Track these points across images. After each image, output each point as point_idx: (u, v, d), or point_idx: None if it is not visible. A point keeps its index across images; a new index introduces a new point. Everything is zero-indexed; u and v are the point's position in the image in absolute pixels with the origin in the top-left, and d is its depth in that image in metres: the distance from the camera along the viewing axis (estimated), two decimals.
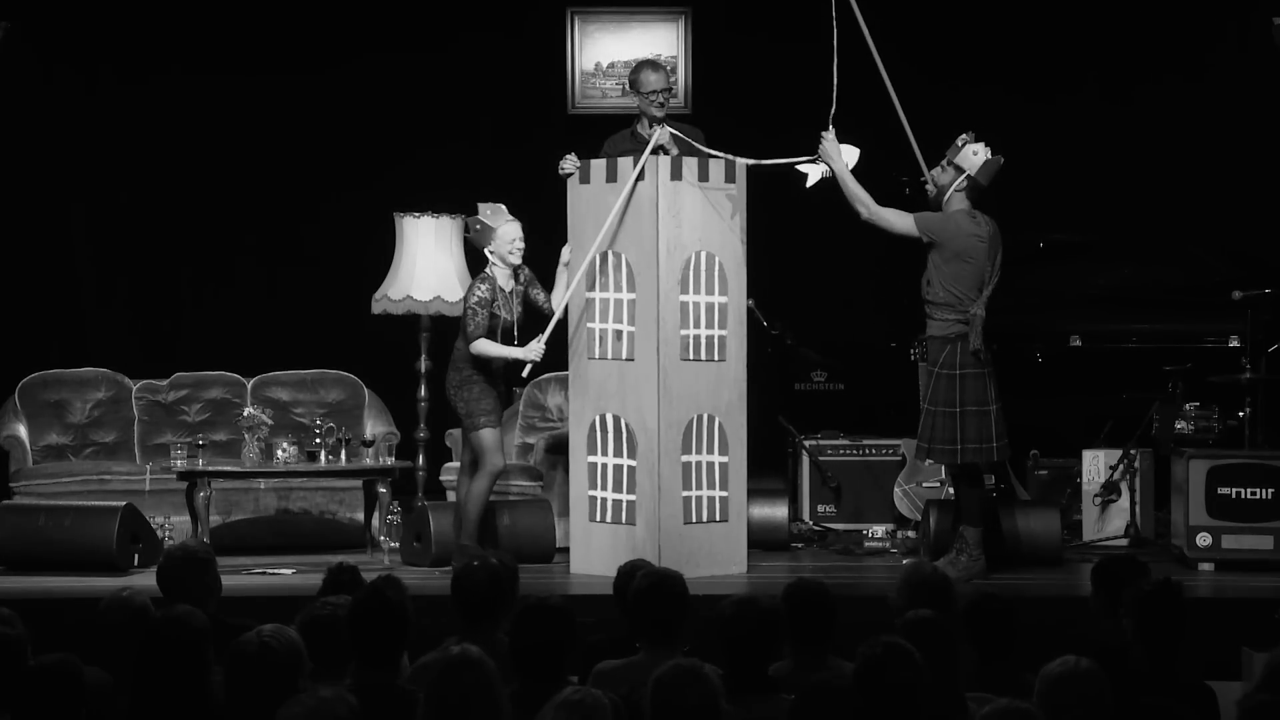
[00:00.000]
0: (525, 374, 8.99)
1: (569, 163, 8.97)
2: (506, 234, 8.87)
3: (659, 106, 9.05)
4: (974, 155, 8.65)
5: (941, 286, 8.62)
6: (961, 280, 8.61)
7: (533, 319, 8.97)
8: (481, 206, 8.94)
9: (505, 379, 9.07)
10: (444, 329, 9.67)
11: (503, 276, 8.87)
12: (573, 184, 9.00)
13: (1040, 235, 11.14)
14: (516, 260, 8.89)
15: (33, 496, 9.97)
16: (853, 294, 11.85)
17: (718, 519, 8.86)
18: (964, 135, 8.72)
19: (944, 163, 8.74)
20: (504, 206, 8.94)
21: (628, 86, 9.37)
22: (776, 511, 9.94)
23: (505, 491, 9.90)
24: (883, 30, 11.66)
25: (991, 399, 8.63)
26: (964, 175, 8.66)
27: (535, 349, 8.79)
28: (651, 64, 9.32)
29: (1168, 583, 5.41)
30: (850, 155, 8.77)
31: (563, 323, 8.99)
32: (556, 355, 9.28)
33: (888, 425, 10.64)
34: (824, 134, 8.79)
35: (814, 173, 8.87)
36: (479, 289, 8.82)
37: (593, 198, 8.93)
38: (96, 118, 12.17)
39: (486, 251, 8.91)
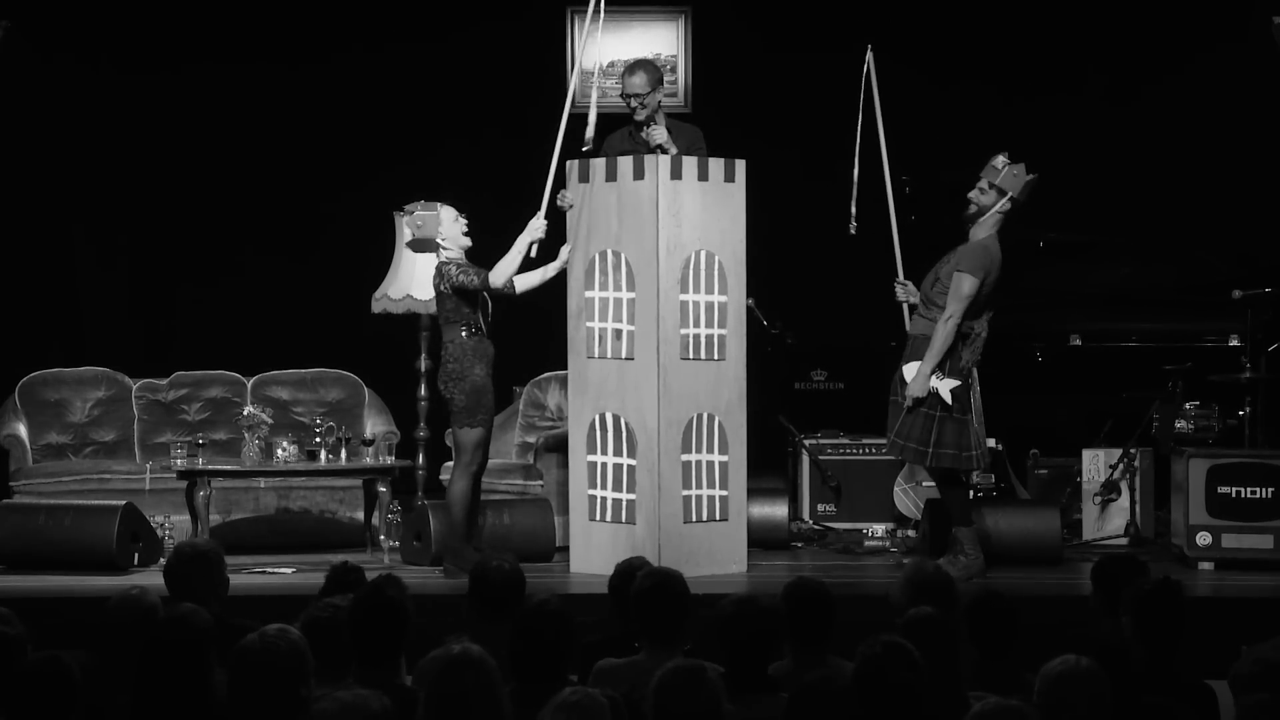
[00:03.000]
0: (534, 254, 8.73)
1: (566, 200, 8.87)
2: (449, 215, 8.84)
3: (633, 111, 9.01)
4: (1015, 177, 8.63)
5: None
6: (976, 300, 8.60)
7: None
8: (408, 207, 8.92)
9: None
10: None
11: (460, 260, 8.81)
12: (572, 183, 8.99)
13: (1040, 234, 11.14)
14: (468, 241, 8.82)
15: (33, 495, 9.96)
16: (853, 293, 11.84)
17: (718, 518, 8.86)
18: (1002, 157, 8.65)
19: (984, 184, 8.65)
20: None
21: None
22: (776, 510, 9.93)
23: (505, 490, 9.91)
24: (882, 29, 11.70)
25: (969, 409, 8.64)
26: (1007, 197, 8.64)
27: (537, 225, 8.69)
28: (631, 67, 9.18)
29: (1167, 582, 5.41)
30: (944, 386, 8.63)
31: (562, 318, 9.01)
32: (556, 354, 9.28)
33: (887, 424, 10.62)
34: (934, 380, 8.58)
35: (943, 389, 8.70)
36: (449, 269, 8.68)
37: (591, 197, 8.92)
38: (97, 116, 12.18)
39: (439, 240, 8.81)
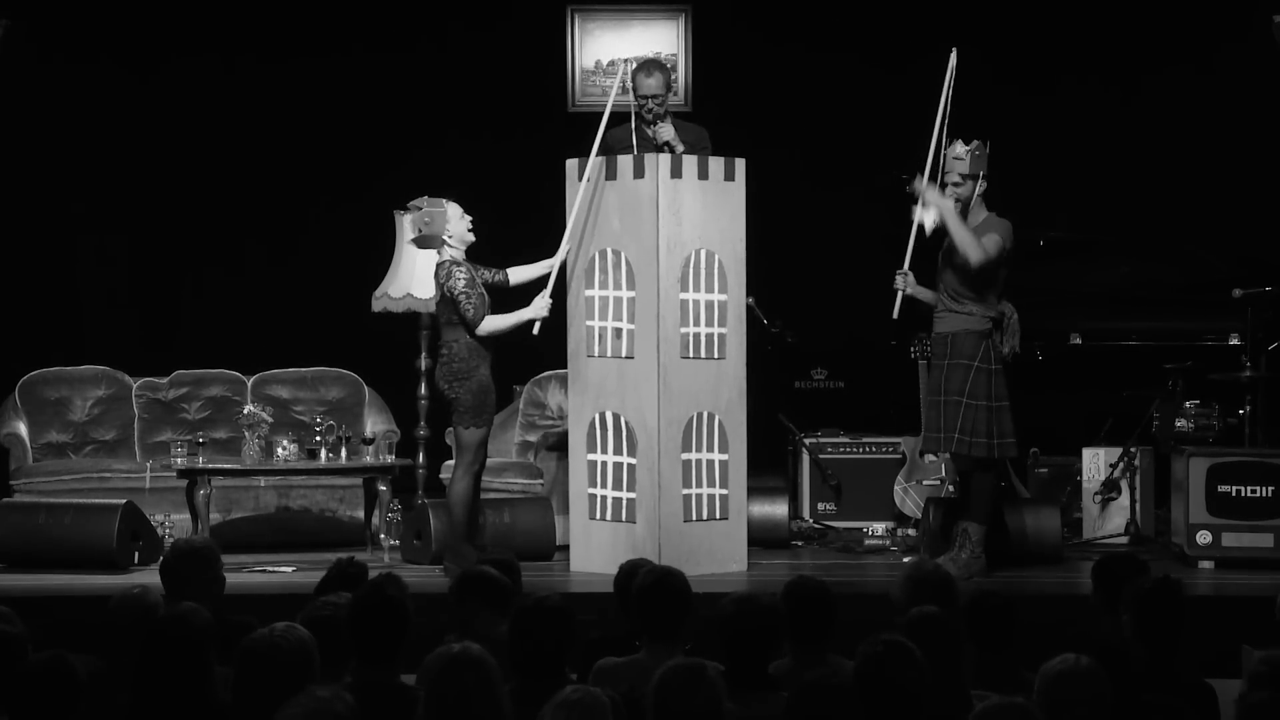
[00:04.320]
0: (535, 331, 8.76)
1: (543, 308, 8.78)
2: (456, 212, 8.81)
3: (649, 112, 9.01)
4: (979, 156, 8.65)
5: (983, 283, 8.62)
6: (1001, 282, 8.64)
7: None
8: (414, 204, 8.88)
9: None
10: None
11: (462, 258, 8.80)
12: (571, 181, 8.99)
13: (1040, 233, 11.14)
14: (473, 237, 8.79)
15: (33, 494, 9.97)
16: (853, 292, 11.85)
17: (718, 517, 8.86)
18: (957, 143, 8.66)
19: (955, 178, 8.63)
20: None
21: (629, 82, 9.36)
22: (777, 509, 9.94)
23: (505, 489, 9.91)
24: (880, 29, 11.71)
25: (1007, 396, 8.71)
26: (980, 177, 8.66)
27: (542, 304, 8.71)
28: (646, 67, 9.18)
29: (1168, 580, 5.41)
30: (946, 204, 8.64)
31: (561, 317, 9.00)
32: (556, 353, 9.27)
33: (888, 423, 10.64)
34: (919, 183, 8.61)
35: (928, 219, 8.72)
36: (458, 273, 8.63)
37: (592, 195, 8.92)
38: (97, 115, 12.18)
39: (445, 238, 8.75)
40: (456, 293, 8.64)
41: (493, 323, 8.67)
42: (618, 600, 5.95)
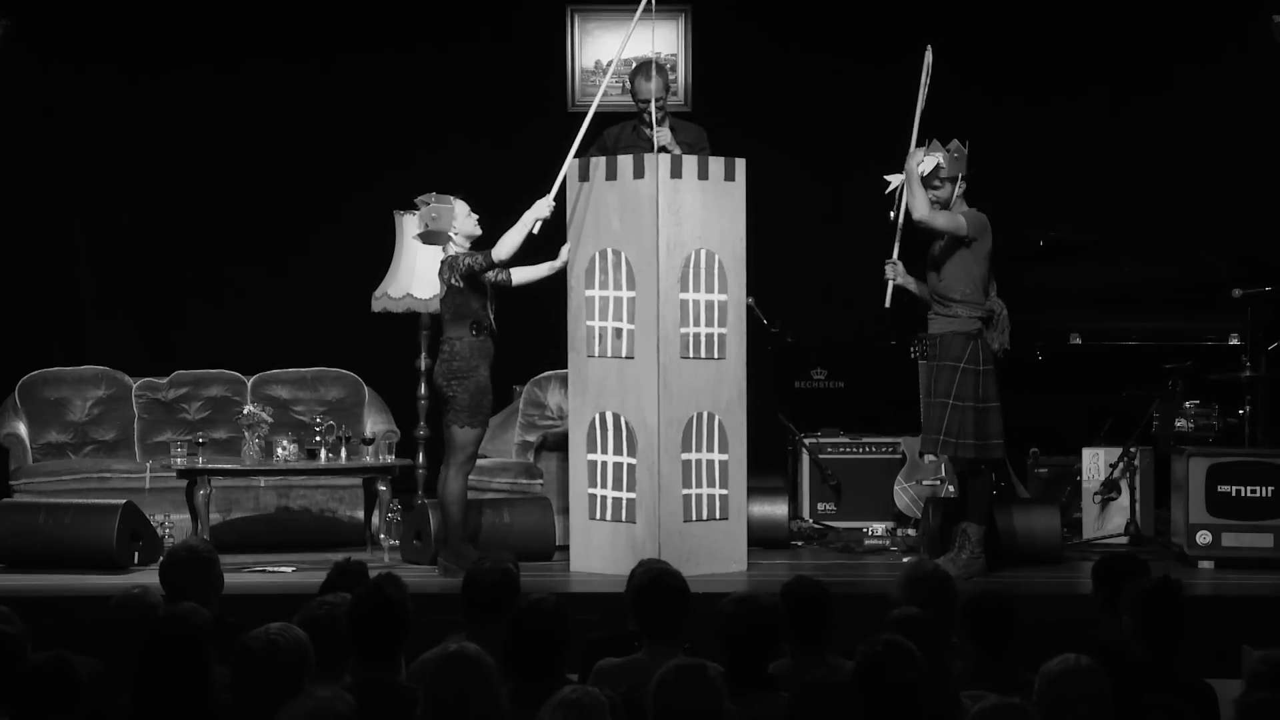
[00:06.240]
0: (535, 230, 8.64)
1: (545, 208, 8.77)
2: (463, 210, 8.81)
3: (648, 114, 9.00)
4: (957, 159, 8.64)
5: (966, 283, 8.61)
6: (983, 279, 8.64)
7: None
8: (421, 199, 8.86)
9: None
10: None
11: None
12: (572, 182, 8.99)
13: (1040, 233, 11.15)
14: (479, 231, 8.78)
15: (33, 494, 9.97)
16: (852, 292, 11.85)
17: (718, 517, 8.87)
18: (934, 145, 8.65)
19: (934, 181, 8.63)
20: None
21: (627, 83, 9.36)
22: (776, 509, 9.93)
23: (505, 489, 9.91)
24: (880, 30, 11.70)
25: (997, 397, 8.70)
26: (961, 177, 8.65)
27: (544, 204, 8.64)
28: (645, 70, 9.13)
29: (1168, 580, 5.41)
30: (929, 162, 8.63)
31: (562, 317, 9.01)
32: (557, 353, 9.27)
33: (888, 423, 10.63)
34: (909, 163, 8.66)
35: (894, 180, 8.76)
36: (461, 257, 8.64)
37: (592, 195, 8.92)
38: (97, 115, 12.19)
39: (450, 234, 8.75)
40: (464, 268, 8.61)
41: (504, 244, 8.59)
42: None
